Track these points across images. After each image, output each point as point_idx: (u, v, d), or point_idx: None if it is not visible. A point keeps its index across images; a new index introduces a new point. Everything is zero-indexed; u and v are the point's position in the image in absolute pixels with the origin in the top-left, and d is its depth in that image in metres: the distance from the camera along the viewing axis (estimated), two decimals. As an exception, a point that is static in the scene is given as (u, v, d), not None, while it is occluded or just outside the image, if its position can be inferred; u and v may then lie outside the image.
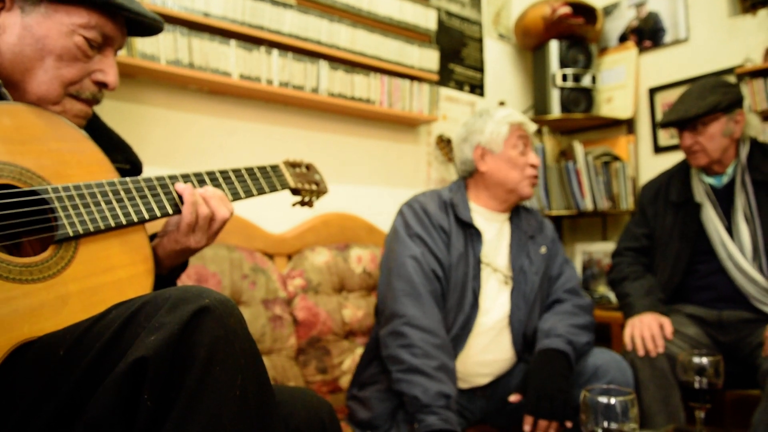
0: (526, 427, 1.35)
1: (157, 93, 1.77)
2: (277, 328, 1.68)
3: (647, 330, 1.64)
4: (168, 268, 0.98)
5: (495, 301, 1.55)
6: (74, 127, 0.87)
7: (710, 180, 1.83)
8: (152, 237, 1.01)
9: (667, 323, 1.66)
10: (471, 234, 1.56)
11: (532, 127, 1.66)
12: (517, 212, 1.70)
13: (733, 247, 1.73)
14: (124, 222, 0.82)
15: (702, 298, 1.79)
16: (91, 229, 0.78)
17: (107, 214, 0.81)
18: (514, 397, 1.41)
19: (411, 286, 1.44)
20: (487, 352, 1.52)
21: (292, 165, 1.20)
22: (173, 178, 0.93)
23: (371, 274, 1.96)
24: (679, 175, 1.91)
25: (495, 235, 1.62)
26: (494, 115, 1.63)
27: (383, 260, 1.57)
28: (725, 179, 1.81)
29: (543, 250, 1.65)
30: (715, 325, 1.74)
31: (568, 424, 1.34)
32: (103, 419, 0.58)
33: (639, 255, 1.94)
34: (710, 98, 1.72)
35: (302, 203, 1.22)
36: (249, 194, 1.05)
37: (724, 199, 1.79)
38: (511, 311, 1.54)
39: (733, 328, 1.71)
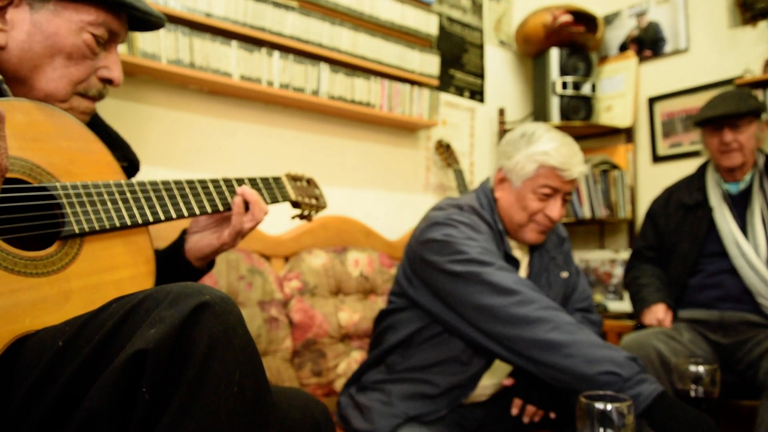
0: (514, 410, 1.34)
1: (157, 92, 1.76)
2: (272, 329, 1.67)
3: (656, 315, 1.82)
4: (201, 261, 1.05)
5: None
6: (84, 128, 0.87)
7: (727, 186, 1.88)
8: (182, 234, 1.07)
9: (667, 319, 1.80)
10: (509, 262, 1.44)
11: (578, 172, 1.38)
12: None
13: (746, 245, 1.77)
14: (128, 223, 0.83)
15: (707, 297, 1.83)
16: (96, 228, 0.79)
17: (113, 214, 0.82)
18: (507, 381, 1.40)
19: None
20: (492, 376, 1.44)
21: (294, 178, 1.21)
22: (178, 183, 0.94)
23: (368, 278, 1.96)
24: (694, 181, 1.98)
25: (521, 257, 1.50)
26: (534, 143, 1.40)
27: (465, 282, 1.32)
28: (742, 186, 1.86)
29: (564, 275, 1.51)
30: (716, 326, 1.76)
31: (552, 415, 1.35)
32: (100, 411, 0.58)
33: (649, 260, 2.05)
34: (751, 100, 1.80)
35: (301, 216, 1.23)
36: None
37: (739, 204, 1.85)
38: None
39: (734, 330, 1.73)
